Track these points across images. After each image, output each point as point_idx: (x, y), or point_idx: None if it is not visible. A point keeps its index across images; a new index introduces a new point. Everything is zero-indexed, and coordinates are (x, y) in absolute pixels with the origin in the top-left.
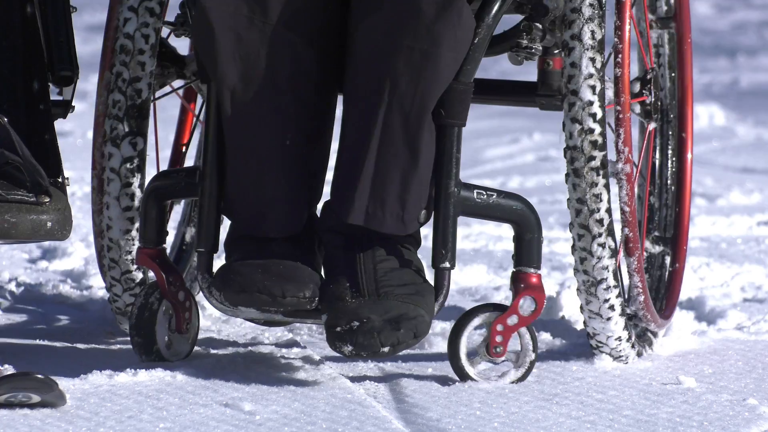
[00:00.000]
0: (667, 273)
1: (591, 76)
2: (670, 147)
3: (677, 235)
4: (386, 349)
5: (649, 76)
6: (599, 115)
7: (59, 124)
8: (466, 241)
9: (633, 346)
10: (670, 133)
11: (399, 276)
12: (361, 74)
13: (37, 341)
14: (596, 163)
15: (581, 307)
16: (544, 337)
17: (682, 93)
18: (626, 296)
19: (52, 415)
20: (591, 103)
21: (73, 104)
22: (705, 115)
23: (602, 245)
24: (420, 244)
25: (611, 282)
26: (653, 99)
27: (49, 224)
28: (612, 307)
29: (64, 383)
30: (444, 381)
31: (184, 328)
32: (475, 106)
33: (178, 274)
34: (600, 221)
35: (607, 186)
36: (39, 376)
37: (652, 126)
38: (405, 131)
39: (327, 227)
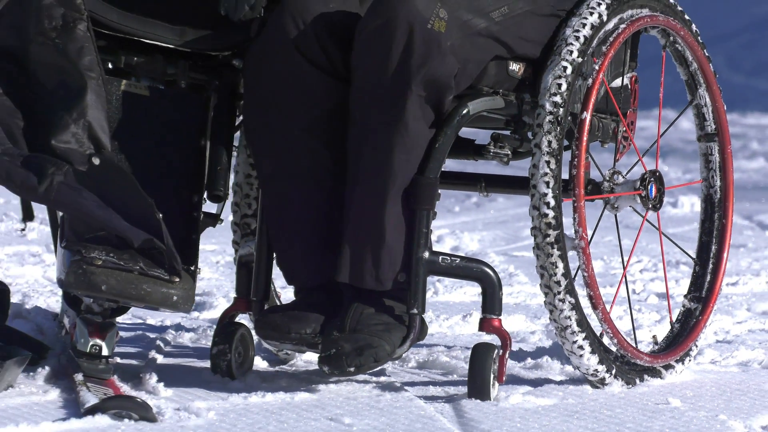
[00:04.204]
0: (693, 322)
1: (546, 174)
2: (715, 232)
3: (709, 295)
4: (352, 369)
5: (644, 176)
6: (552, 203)
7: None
8: (508, 297)
9: (616, 377)
10: (718, 221)
11: (377, 318)
12: (348, 168)
13: (192, 371)
14: (551, 239)
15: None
16: (568, 369)
17: (725, 189)
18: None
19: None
20: (545, 195)
21: (221, 218)
22: (687, 204)
23: (562, 300)
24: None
25: (575, 328)
26: (646, 193)
27: (174, 298)
28: (581, 347)
29: (211, 402)
30: (493, 401)
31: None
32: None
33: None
34: (558, 282)
35: (562, 256)
36: (138, 399)
37: (648, 213)
38: (372, 214)
39: (344, 284)
